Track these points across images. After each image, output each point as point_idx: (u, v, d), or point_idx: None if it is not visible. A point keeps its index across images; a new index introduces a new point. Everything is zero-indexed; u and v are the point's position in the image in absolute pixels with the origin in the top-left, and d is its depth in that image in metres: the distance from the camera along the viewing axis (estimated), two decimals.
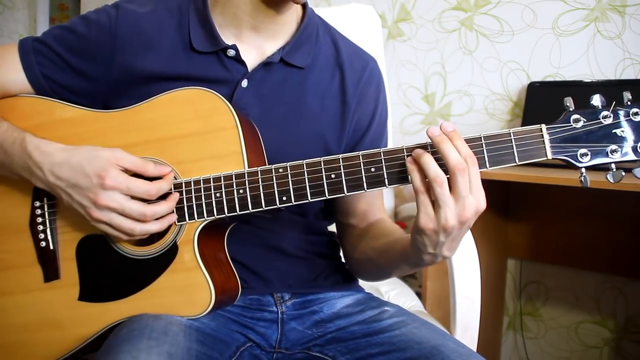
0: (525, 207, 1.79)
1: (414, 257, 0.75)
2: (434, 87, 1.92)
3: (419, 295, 1.44)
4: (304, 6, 0.92)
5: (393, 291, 1.32)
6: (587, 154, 0.68)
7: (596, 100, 0.68)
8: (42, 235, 0.84)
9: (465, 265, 1.12)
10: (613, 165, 0.68)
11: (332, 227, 1.02)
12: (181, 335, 0.72)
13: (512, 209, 1.80)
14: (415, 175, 0.68)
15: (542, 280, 1.82)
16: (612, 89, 1.53)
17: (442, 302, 1.50)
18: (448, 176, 0.66)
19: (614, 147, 0.67)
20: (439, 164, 0.67)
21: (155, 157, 0.80)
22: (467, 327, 1.11)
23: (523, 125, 1.63)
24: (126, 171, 0.76)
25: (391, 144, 1.02)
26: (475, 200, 0.67)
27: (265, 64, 0.87)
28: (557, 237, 1.73)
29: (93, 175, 0.75)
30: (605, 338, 1.72)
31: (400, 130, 1.99)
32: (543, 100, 1.63)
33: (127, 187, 0.75)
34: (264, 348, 0.85)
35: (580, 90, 1.57)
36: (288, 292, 0.90)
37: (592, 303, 1.73)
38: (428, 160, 0.67)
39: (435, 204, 0.67)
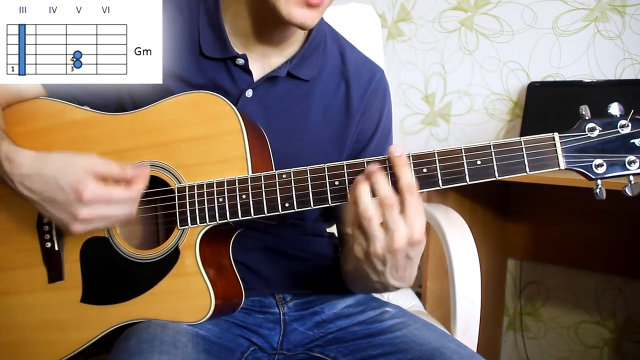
0: (525, 207, 1.79)
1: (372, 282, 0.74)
2: (434, 87, 1.92)
3: (419, 295, 1.45)
4: None
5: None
6: (603, 165, 0.64)
7: (614, 108, 0.64)
8: (47, 236, 0.84)
9: (465, 265, 1.11)
10: (631, 178, 0.64)
11: (332, 229, 1.02)
12: (190, 347, 0.72)
13: (512, 209, 1.80)
14: (350, 208, 0.68)
15: (542, 280, 1.82)
16: (612, 89, 1.53)
17: (442, 302, 1.50)
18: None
19: (632, 157, 0.63)
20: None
21: (161, 161, 0.80)
22: (467, 327, 1.11)
23: (523, 125, 1.64)
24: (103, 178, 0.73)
25: None
26: (408, 231, 0.65)
27: (271, 77, 0.86)
28: (557, 237, 1.73)
29: (69, 190, 0.70)
30: (605, 338, 1.72)
31: (400, 130, 1.99)
32: (543, 100, 1.63)
33: (108, 199, 0.72)
34: (265, 350, 0.85)
35: (580, 90, 1.57)
36: (289, 294, 0.90)
37: (592, 303, 1.73)
38: (362, 192, 0.66)
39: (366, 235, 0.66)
